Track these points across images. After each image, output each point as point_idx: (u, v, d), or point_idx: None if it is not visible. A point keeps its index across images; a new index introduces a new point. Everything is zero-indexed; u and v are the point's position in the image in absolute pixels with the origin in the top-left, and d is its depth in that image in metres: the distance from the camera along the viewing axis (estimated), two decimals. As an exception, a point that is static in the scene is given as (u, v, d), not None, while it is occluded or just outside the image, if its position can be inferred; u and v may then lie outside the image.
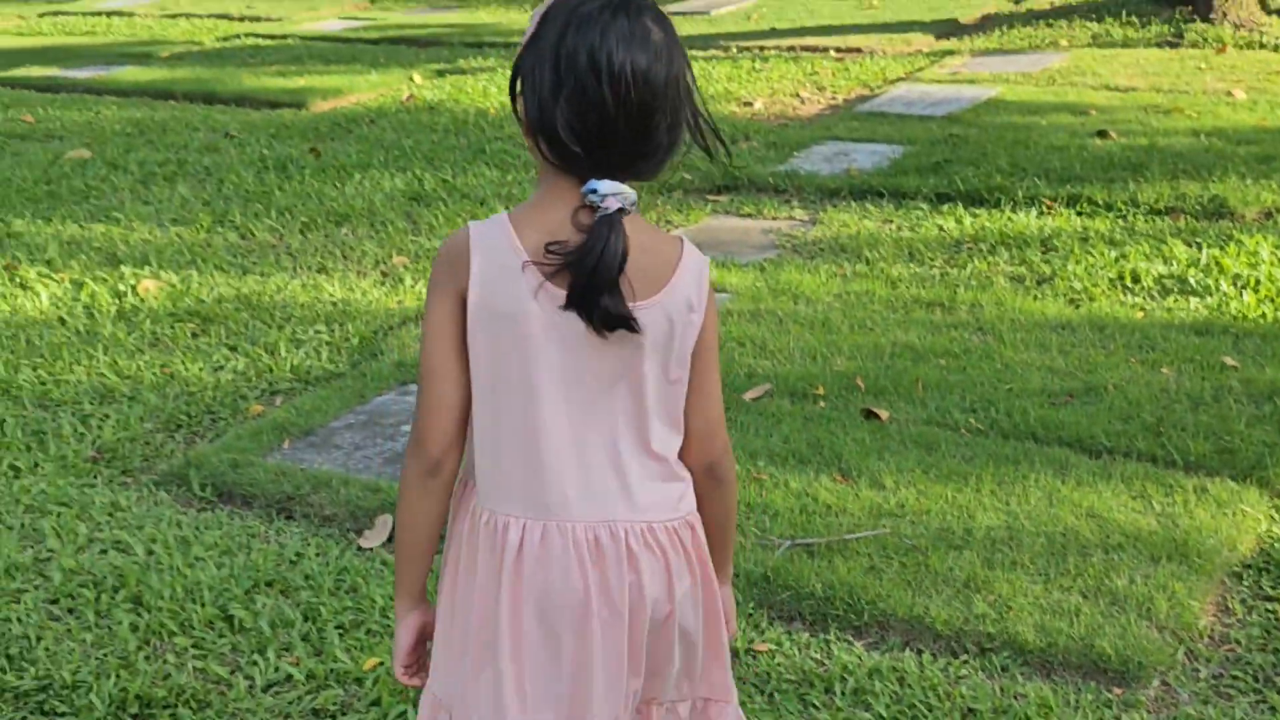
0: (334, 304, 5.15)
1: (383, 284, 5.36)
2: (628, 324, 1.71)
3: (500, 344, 1.74)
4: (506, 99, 7.91)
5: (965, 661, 2.96)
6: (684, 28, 10.50)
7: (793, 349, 4.49)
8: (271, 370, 4.59)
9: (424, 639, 1.95)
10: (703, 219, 6.06)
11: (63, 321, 5.05)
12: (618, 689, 1.82)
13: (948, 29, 9.99)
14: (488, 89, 8.56)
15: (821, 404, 4.09)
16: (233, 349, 4.78)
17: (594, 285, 1.68)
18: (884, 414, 4.00)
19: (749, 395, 4.14)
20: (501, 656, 1.79)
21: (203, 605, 3.22)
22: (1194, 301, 4.93)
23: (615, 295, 1.69)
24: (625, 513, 1.79)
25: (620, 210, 1.69)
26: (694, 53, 9.40)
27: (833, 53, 9.34)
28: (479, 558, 1.81)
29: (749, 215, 6.09)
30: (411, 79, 9.05)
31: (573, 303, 1.69)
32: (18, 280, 5.50)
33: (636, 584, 1.79)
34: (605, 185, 1.69)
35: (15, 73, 9.89)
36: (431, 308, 1.77)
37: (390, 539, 3.44)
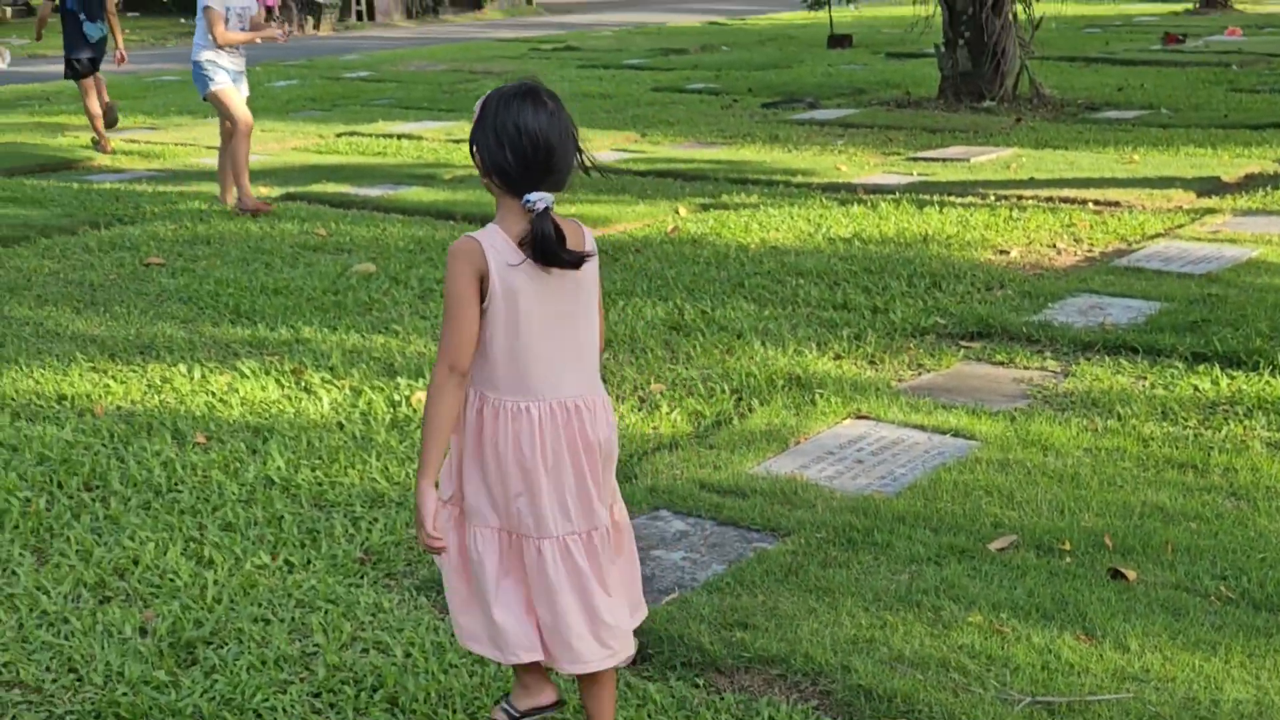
0: (592, 426, 5.35)
1: (640, 409, 5.56)
2: (581, 260, 2.88)
3: (512, 306, 2.86)
4: (768, 235, 8.14)
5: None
6: (941, 174, 10.61)
7: (1040, 502, 4.51)
8: (530, 486, 4.80)
9: (433, 531, 2.96)
10: (954, 364, 6.12)
11: (341, 426, 5.38)
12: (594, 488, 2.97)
13: (1210, 186, 9.87)
14: (750, 225, 8.78)
15: (1067, 560, 4.10)
16: (495, 463, 5.01)
17: (547, 249, 2.83)
18: (1131, 574, 3.99)
19: (994, 545, 4.18)
20: (539, 485, 2.91)
21: (454, 711, 3.40)
22: None
23: (564, 249, 2.85)
24: (587, 392, 2.96)
25: (546, 208, 2.83)
26: (951, 198, 9.49)
27: (1091, 205, 9.31)
28: (499, 432, 2.92)
29: (1001, 363, 6.13)
30: (677, 211, 9.35)
31: (541, 260, 2.84)
32: (303, 384, 5.88)
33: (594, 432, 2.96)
34: (534, 195, 2.84)
35: (312, 188, 10.56)
36: (459, 283, 2.85)
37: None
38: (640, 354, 6.24)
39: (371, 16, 38.07)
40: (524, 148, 2.82)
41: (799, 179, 10.47)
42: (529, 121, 2.84)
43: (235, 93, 9.83)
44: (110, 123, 13.64)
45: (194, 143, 13.68)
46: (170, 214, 9.79)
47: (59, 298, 7.49)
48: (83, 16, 13.33)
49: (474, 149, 2.89)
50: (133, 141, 13.95)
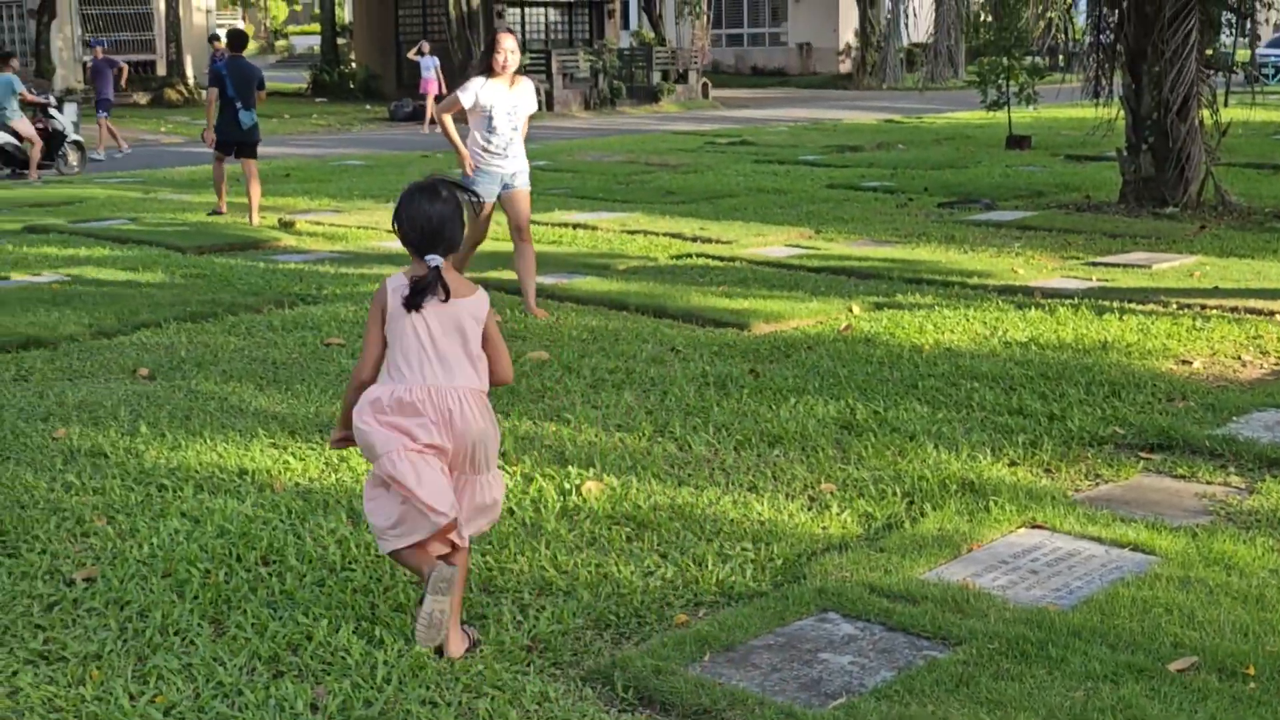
0: (761, 523, 5.34)
1: (809, 509, 5.52)
2: (446, 294, 4.16)
3: (396, 326, 4.19)
4: (943, 336, 8.08)
5: None
6: (1122, 280, 10.42)
7: (1223, 623, 4.36)
8: (698, 582, 4.80)
9: (344, 439, 4.43)
10: (1133, 476, 5.98)
11: (511, 513, 5.43)
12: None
13: None
14: (924, 325, 8.71)
15: (1252, 685, 3.95)
16: (663, 556, 5.02)
17: (416, 292, 4.15)
18: (1319, 704, 3.83)
19: (1174, 666, 4.05)
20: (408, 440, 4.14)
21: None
22: None
23: (442, 290, 4.16)
24: (446, 383, 4.18)
25: (438, 266, 4.15)
26: (1131, 305, 9.29)
27: (1279, 317, 9.06)
28: (387, 410, 4.16)
29: (1182, 477, 5.96)
30: (850, 309, 9.31)
31: (409, 302, 4.16)
32: (475, 469, 5.95)
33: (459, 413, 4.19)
34: (431, 258, 4.16)
35: (489, 275, 10.73)
36: (372, 317, 4.28)
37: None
38: (811, 452, 6.20)
39: (550, 107, 38.83)
40: (420, 228, 4.20)
41: (975, 281, 10.37)
42: (425, 210, 4.20)
43: (489, 210, 9.24)
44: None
45: (376, 226, 14.04)
46: (351, 295, 10.04)
47: (243, 374, 7.70)
48: (239, 105, 14.94)
49: (394, 226, 4.28)
50: (317, 224, 14.37)
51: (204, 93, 31.68)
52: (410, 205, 4.20)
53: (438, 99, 31.78)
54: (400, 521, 4.19)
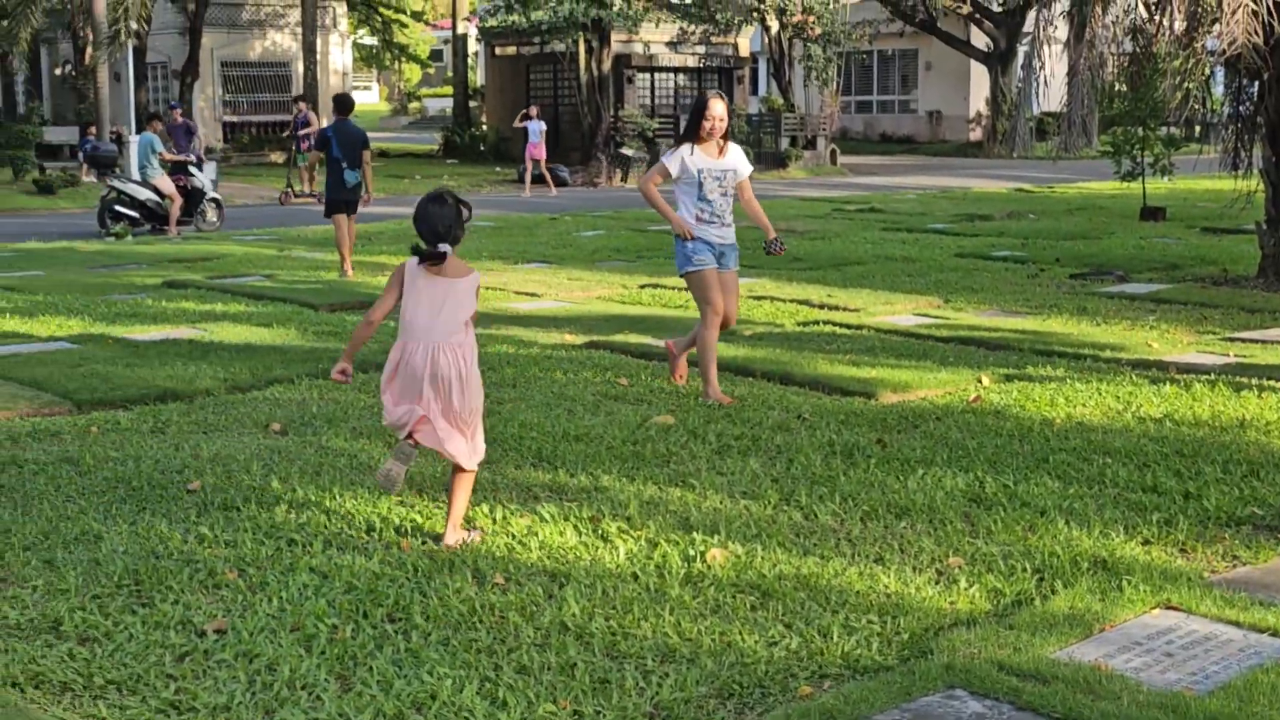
0: (887, 595, 5.27)
1: (937, 582, 5.44)
2: (443, 259, 5.72)
3: (411, 294, 5.75)
4: (1074, 410, 7.96)
5: None
6: (1261, 356, 10.18)
7: (1370, 716, 4.21)
8: (823, 653, 4.75)
9: (345, 371, 5.99)
10: (1272, 559, 5.81)
11: (635, 577, 5.42)
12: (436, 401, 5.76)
13: None
14: (1055, 398, 8.58)
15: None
16: (788, 626, 4.98)
17: (423, 258, 5.73)
18: None
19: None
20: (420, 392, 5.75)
21: None
22: None
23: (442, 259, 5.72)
24: (442, 339, 5.68)
25: (445, 252, 5.69)
26: (1271, 383, 9.05)
27: None
28: (403, 358, 5.74)
29: (1327, 562, 5.79)
30: (979, 380, 9.21)
31: (427, 260, 5.73)
32: (600, 532, 5.96)
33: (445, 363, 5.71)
34: (443, 246, 5.68)
35: (615, 338, 10.80)
36: (392, 282, 5.88)
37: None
38: (939, 525, 6.12)
39: (678, 172, 38.93)
40: (433, 226, 5.70)
41: (1107, 354, 10.20)
42: (436, 213, 5.72)
43: (714, 276, 8.61)
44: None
45: (504, 287, 14.19)
46: (479, 356, 10.11)
47: (373, 431, 7.80)
48: (344, 165, 15.75)
49: (415, 228, 5.73)
50: (448, 283, 14.54)
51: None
52: (425, 210, 5.73)
53: (539, 164, 32.21)
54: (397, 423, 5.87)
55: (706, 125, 8.44)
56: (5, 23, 32.87)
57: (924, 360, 9.94)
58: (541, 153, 32.40)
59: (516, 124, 34.10)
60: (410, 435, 5.79)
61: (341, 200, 15.84)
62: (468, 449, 5.84)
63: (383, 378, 5.85)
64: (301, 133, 29.52)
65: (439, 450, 5.82)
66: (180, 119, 26.81)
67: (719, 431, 7.74)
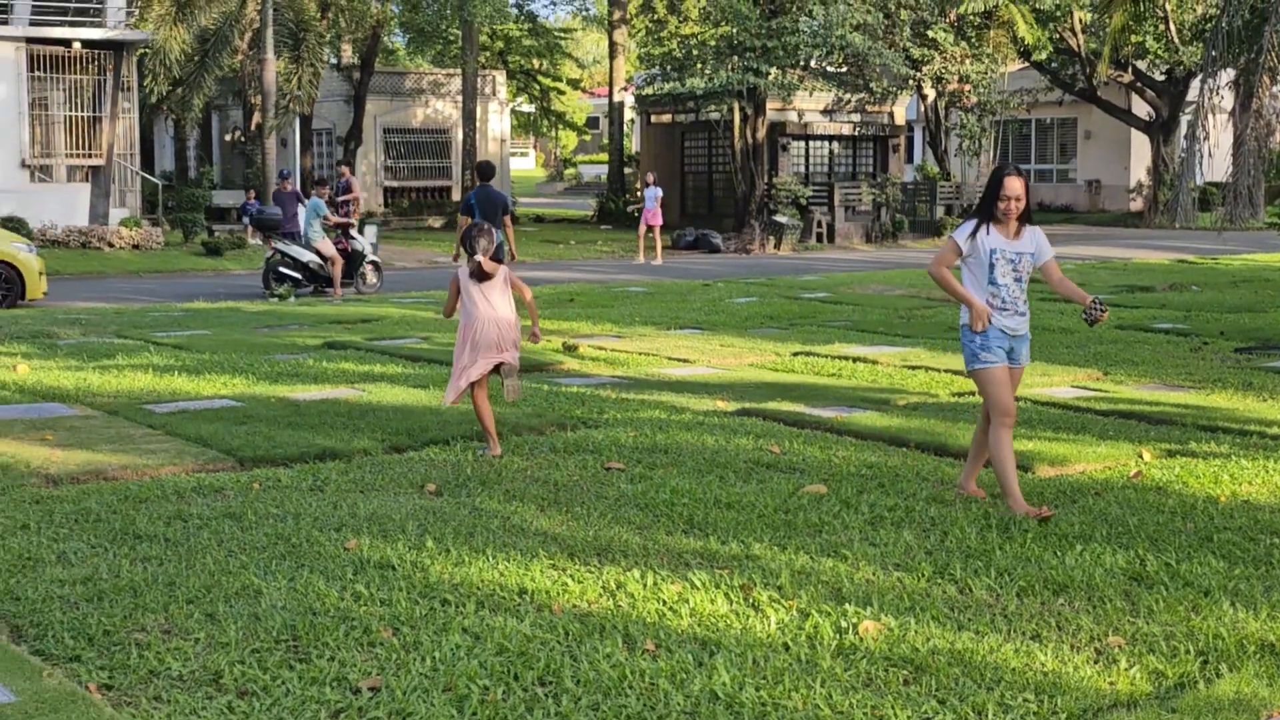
0: (1044, 673, 5.16)
1: (1096, 661, 5.31)
2: (485, 276, 9.20)
3: (466, 291, 9.22)
4: (1240, 488, 7.76)
5: None
6: None
7: None
8: (977, 732, 4.65)
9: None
10: None
11: (786, 647, 5.38)
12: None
13: None
14: (1219, 476, 8.36)
15: None
16: (941, 703, 4.89)
17: (474, 274, 9.19)
18: None
19: None
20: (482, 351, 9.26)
21: None
22: None
23: (482, 275, 9.20)
24: (505, 316, 9.24)
25: (479, 260, 9.13)
26: None
27: None
28: (470, 331, 9.22)
29: None
30: (1140, 455, 9.00)
31: (475, 277, 9.20)
32: (751, 601, 5.93)
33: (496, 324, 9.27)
34: (477, 254, 9.18)
35: (767, 405, 10.77)
36: (452, 285, 9.37)
37: None
38: (1098, 603, 5.98)
39: (831, 239, 39.03)
40: (471, 243, 9.15)
41: (1275, 430, 9.91)
42: (473, 234, 9.20)
43: (1004, 374, 7.77)
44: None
45: (656, 353, 14.26)
46: (631, 421, 10.18)
47: (525, 494, 7.87)
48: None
49: (461, 244, 9.67)
50: (599, 348, 14.67)
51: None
52: (468, 233, 9.29)
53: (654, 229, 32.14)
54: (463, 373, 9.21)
55: (1002, 205, 7.63)
56: (180, 90, 34.16)
57: (1082, 434, 9.76)
58: (657, 219, 32.35)
59: (639, 191, 34.21)
60: (497, 368, 9.20)
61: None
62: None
63: (456, 350, 9.27)
64: (341, 198, 28.72)
65: (512, 363, 9.25)
66: (289, 188, 26.95)
67: (872, 502, 7.67)
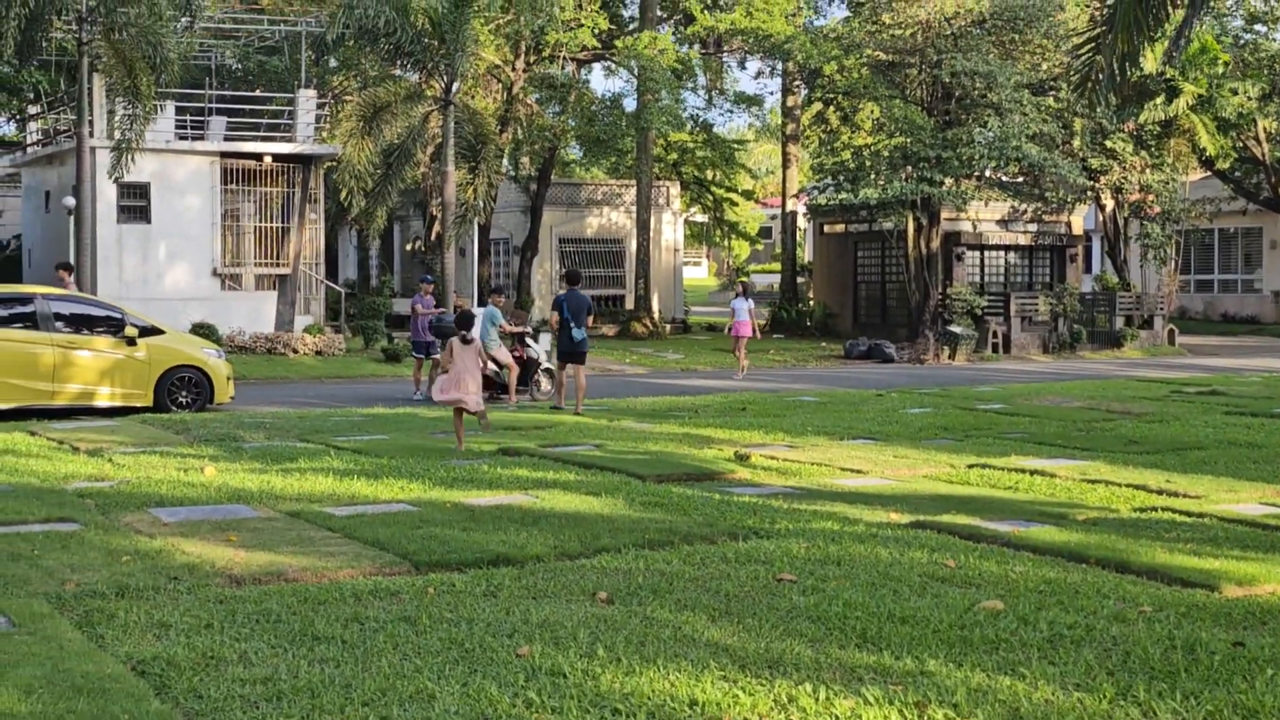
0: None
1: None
2: (468, 343, 15.67)
3: (457, 353, 15.45)
4: None
5: None
6: None
7: None
8: None
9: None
10: None
11: (963, 768, 5.25)
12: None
13: None
14: None
15: None
16: (1125, 831, 4.73)
17: (467, 339, 15.63)
18: None
19: None
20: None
21: None
22: None
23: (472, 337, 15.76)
24: (470, 374, 15.55)
25: (470, 338, 15.50)
26: None
27: None
28: (452, 375, 15.64)
29: None
30: (1334, 576, 8.66)
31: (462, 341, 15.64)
32: (926, 718, 5.81)
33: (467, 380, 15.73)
34: (466, 335, 15.58)
35: (942, 518, 10.61)
36: (447, 349, 15.74)
37: None
38: (1291, 730, 5.75)
39: (1007, 350, 38.49)
40: (460, 327, 15.55)
41: None
42: (463, 321, 15.69)
43: None
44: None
45: (828, 463, 14.16)
46: (803, 532, 10.10)
47: (696, 603, 7.84)
48: (572, 324, 20.82)
49: (457, 330, 15.70)
50: (771, 458, 14.62)
51: (667, 327, 36.82)
52: (457, 319, 15.44)
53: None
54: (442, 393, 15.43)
55: None
56: (365, 203, 35.16)
57: (1273, 552, 9.42)
58: (747, 330, 30.31)
59: (734, 298, 32.45)
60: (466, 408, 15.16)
61: (569, 352, 20.96)
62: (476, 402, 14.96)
63: (436, 388, 14.84)
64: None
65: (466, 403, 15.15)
66: (430, 294, 26.55)
67: (1050, 619, 7.48)
